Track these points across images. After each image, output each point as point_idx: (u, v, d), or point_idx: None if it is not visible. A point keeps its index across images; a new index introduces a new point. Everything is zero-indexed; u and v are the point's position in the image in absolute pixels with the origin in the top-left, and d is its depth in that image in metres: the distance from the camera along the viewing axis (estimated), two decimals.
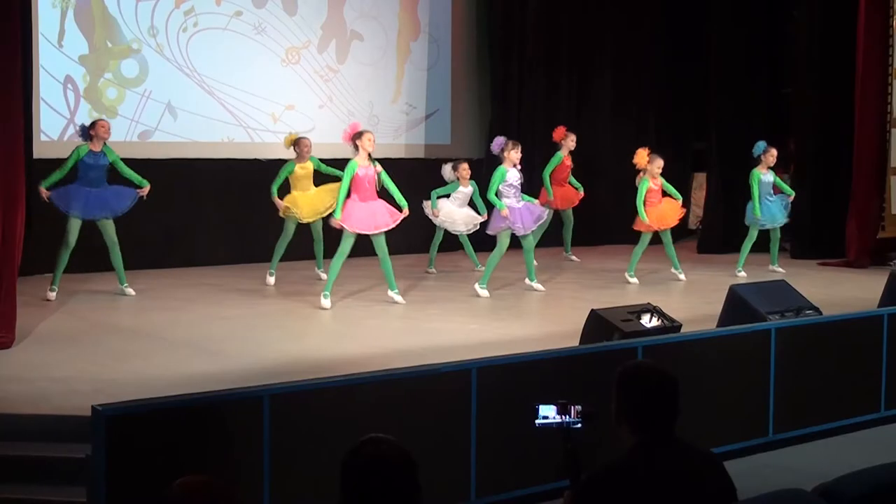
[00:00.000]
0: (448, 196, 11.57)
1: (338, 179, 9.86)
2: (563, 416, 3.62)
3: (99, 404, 4.66)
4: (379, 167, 9.50)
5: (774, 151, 11.76)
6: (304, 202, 10.56)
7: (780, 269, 11.75)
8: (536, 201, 10.80)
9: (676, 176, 14.79)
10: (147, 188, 9.76)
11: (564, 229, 13.03)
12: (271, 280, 10.68)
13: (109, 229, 9.59)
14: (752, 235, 11.83)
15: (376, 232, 9.33)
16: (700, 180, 15.76)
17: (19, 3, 7.83)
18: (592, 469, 3.35)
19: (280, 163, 10.87)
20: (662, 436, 3.35)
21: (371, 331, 8.60)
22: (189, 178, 11.91)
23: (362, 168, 9.34)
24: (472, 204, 11.63)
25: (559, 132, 12.56)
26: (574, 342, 6.99)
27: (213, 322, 8.78)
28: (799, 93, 14.07)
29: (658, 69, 15.48)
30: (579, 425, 3.64)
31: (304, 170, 10.61)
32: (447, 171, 11.62)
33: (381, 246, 9.36)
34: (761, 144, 11.81)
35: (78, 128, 10.00)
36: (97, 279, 10.78)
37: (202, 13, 12.29)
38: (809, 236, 13.73)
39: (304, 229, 10.82)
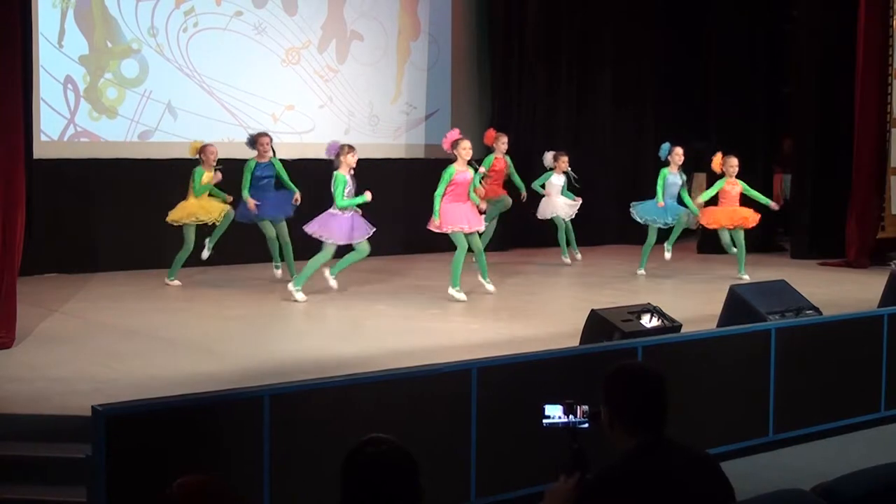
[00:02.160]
0: (543, 185, 12.50)
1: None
2: (570, 416, 3.62)
3: (99, 404, 4.66)
4: (471, 172, 9.93)
5: (680, 150, 11.72)
6: (195, 206, 10.51)
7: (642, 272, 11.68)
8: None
9: None
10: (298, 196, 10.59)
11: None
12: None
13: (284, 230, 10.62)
14: (651, 235, 11.74)
15: (471, 230, 9.81)
16: (700, 180, 15.73)
17: (19, 3, 7.82)
18: (591, 473, 3.35)
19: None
20: (656, 437, 3.35)
21: (371, 331, 8.60)
22: (189, 178, 11.88)
23: (460, 173, 9.78)
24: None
25: (489, 136, 12.24)
26: (574, 342, 6.99)
27: (213, 322, 8.78)
28: (799, 93, 14.07)
29: (658, 69, 15.48)
30: (586, 425, 3.63)
31: (208, 177, 10.53)
32: (548, 158, 12.53)
33: (475, 243, 9.91)
34: (665, 146, 11.75)
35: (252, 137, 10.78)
36: (97, 279, 10.80)
37: (202, 13, 12.29)
38: (809, 236, 13.73)
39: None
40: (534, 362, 6.01)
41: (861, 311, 8.02)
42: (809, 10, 13.85)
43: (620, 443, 3.37)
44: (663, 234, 11.99)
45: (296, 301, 9.56)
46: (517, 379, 5.85)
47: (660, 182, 11.66)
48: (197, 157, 10.55)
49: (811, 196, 13.74)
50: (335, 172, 9.62)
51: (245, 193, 10.40)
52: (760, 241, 14.01)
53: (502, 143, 12.17)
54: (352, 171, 9.71)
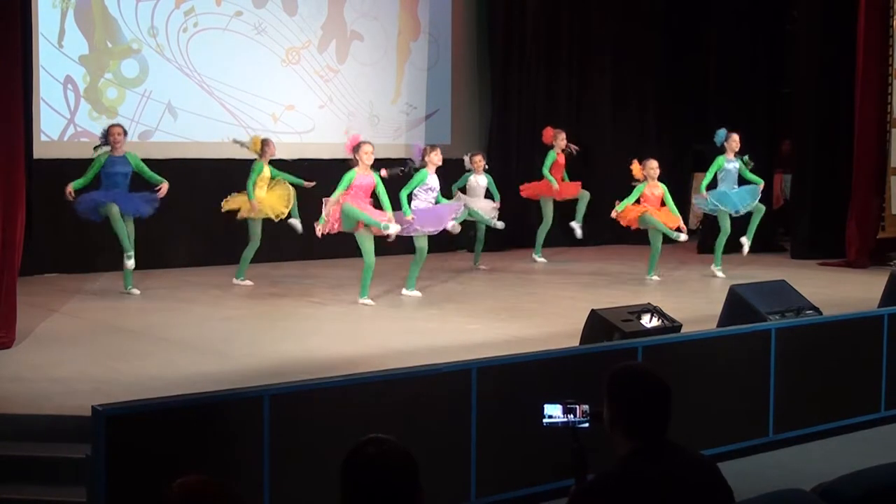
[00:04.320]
0: (464, 188, 12.05)
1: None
2: (570, 416, 3.61)
3: (99, 404, 4.66)
4: (374, 177, 9.67)
5: (736, 136, 11.69)
6: (271, 200, 10.65)
7: (721, 274, 11.55)
8: (451, 202, 10.78)
9: (676, 176, 14.86)
10: (165, 186, 9.90)
11: (540, 228, 12.84)
12: (248, 283, 10.71)
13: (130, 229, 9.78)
14: (725, 228, 11.70)
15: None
16: (700, 180, 15.74)
17: (19, 4, 7.82)
18: (589, 476, 3.34)
19: (283, 164, 10.90)
20: (656, 441, 3.32)
21: (371, 331, 8.60)
22: (189, 178, 11.90)
23: (361, 177, 9.55)
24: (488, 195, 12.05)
25: (548, 134, 12.73)
26: (574, 342, 6.99)
27: (213, 322, 8.78)
28: (799, 93, 14.07)
29: (658, 69, 15.47)
30: (586, 425, 3.62)
31: (269, 170, 10.67)
32: (466, 159, 12.12)
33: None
34: (721, 132, 11.75)
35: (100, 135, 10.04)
36: (97, 279, 10.80)
37: (202, 13, 12.29)
38: (809, 236, 13.73)
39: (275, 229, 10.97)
40: (534, 362, 6.01)
41: (861, 311, 8.01)
42: (809, 10, 13.85)
43: (620, 444, 3.35)
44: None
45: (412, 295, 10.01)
46: (517, 379, 5.85)
47: (712, 169, 11.68)
48: (258, 151, 10.58)
49: (811, 196, 13.74)
50: (421, 170, 10.11)
51: (73, 184, 9.66)
52: (760, 241, 14.00)
53: (561, 139, 12.63)
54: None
